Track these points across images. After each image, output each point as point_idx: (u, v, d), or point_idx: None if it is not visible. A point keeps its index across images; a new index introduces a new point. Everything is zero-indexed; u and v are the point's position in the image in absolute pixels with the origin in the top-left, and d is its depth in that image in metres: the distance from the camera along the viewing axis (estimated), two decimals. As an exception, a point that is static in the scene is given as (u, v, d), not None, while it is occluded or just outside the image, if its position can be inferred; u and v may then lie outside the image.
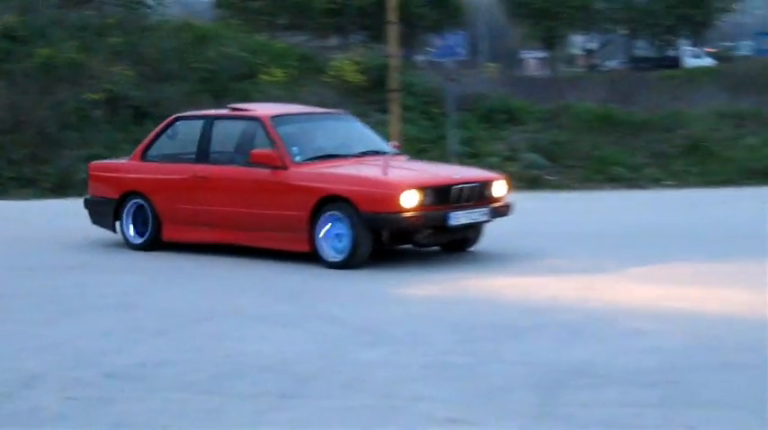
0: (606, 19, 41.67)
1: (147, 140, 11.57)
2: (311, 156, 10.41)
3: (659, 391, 5.32)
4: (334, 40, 37.85)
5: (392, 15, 20.78)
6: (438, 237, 10.16)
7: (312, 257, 9.81)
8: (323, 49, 33.17)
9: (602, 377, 5.62)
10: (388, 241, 9.97)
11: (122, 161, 11.95)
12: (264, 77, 24.05)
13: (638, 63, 41.78)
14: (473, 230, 10.43)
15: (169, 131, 11.49)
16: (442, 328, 7.06)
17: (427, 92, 24.36)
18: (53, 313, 7.94)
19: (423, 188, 9.69)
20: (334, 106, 23.02)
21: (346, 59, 26.17)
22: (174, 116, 11.74)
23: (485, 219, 10.15)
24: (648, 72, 36.40)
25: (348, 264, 9.68)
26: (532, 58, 46.44)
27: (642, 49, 45.79)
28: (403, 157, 11.07)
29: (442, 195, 9.79)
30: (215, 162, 10.86)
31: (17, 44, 24.03)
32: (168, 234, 11.00)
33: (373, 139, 11.27)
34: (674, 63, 41.85)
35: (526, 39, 43.72)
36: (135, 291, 8.90)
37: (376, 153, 10.83)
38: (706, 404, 5.09)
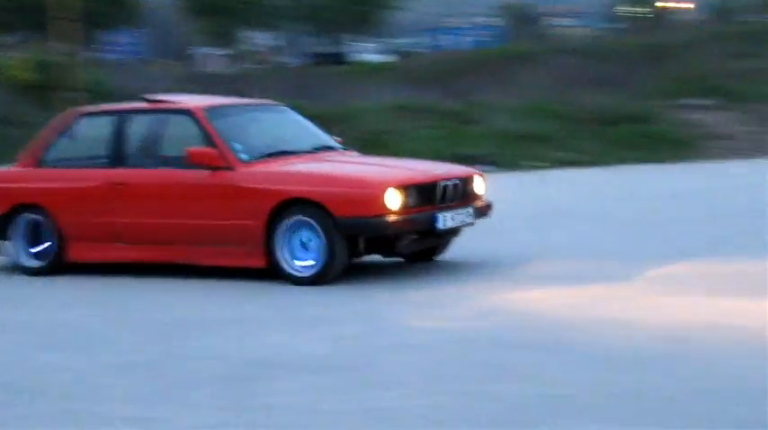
0: (280, 15, 42.18)
1: (40, 142, 9.62)
2: (260, 153, 8.81)
3: (339, 376, 5.43)
4: (6, 38, 36.53)
5: (64, 12, 20.18)
6: (422, 243, 8.77)
7: (269, 274, 8.32)
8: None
9: (286, 366, 5.69)
10: (364, 250, 8.43)
11: (8, 168, 9.89)
12: None
13: (314, 59, 42.54)
14: (446, 236, 8.94)
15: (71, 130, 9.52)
16: (126, 327, 6.94)
17: (102, 89, 23.86)
18: None
19: (406, 186, 8.26)
20: (4, 105, 22.27)
21: (17, 58, 25.27)
22: (74, 110, 9.89)
23: (470, 220, 8.74)
24: (326, 67, 37.19)
25: (319, 279, 8.16)
26: (209, 55, 46.37)
27: (319, 45, 46.67)
28: (353, 152, 9.65)
29: (426, 194, 8.38)
30: (134, 165, 9.09)
31: None
32: (75, 253, 9.11)
33: (318, 133, 9.76)
34: (342, 59, 42.89)
35: (201, 35, 43.64)
36: None
37: (327, 148, 9.39)
38: (382, 385, 5.23)
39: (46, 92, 23.13)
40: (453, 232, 8.84)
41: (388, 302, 7.48)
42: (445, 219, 8.38)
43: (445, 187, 8.50)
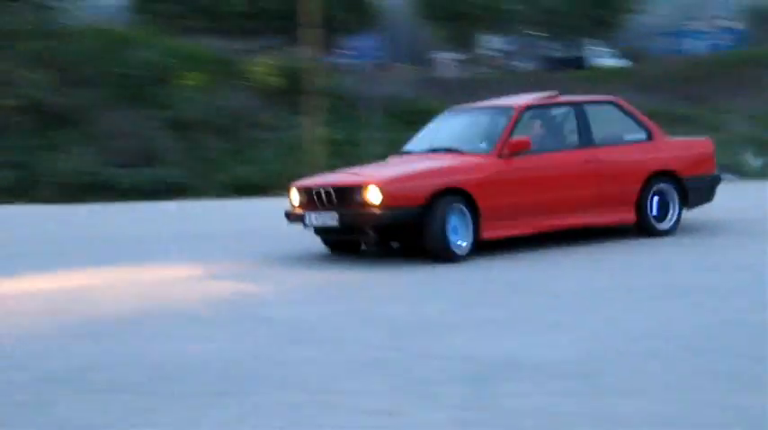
0: (517, 20, 42.17)
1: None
2: None
3: (578, 381, 5.52)
4: (248, 43, 37.87)
5: (309, 18, 20.89)
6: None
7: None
8: (238, 52, 33.21)
9: (526, 369, 5.82)
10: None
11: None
12: (182, 81, 24.06)
13: (549, 64, 42.37)
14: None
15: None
16: (369, 325, 7.23)
17: (344, 94, 24.52)
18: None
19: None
20: (252, 109, 23.21)
21: (263, 62, 26.24)
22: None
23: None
24: (560, 72, 37.01)
25: None
26: (447, 60, 46.80)
27: (554, 50, 46.40)
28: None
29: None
30: None
31: (-73, 50, 23.79)
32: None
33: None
34: (583, 63, 42.51)
35: (439, 40, 44.07)
36: (63, 296, 8.96)
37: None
38: (623, 392, 5.31)
39: (287, 96, 23.97)
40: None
41: (624, 310, 7.53)
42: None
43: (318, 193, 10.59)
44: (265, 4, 35.90)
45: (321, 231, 10.97)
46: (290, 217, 11.08)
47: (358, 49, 39.67)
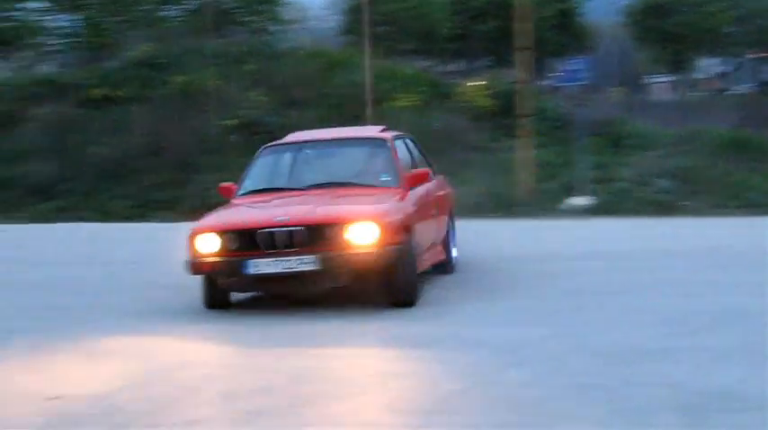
0: (735, 42, 41.04)
1: None
2: None
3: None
4: (458, 66, 38.09)
5: (524, 40, 20.93)
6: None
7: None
8: (447, 74, 33.46)
9: (747, 401, 5.65)
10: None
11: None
12: (394, 102, 24.41)
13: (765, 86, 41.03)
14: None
15: None
16: (579, 351, 7.18)
17: (557, 117, 24.40)
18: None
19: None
20: (463, 131, 23.36)
21: (475, 84, 26.37)
22: None
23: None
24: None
25: None
26: (658, 82, 46.00)
27: (774, 72, 44.95)
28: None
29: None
30: None
31: (155, 71, 24.97)
32: None
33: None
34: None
35: (653, 63, 43.33)
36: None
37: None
38: None
39: (499, 118, 24.01)
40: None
41: None
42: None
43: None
44: (476, 26, 36.06)
45: (258, 281, 8.83)
46: (203, 268, 8.89)
47: (569, 72, 39.31)
